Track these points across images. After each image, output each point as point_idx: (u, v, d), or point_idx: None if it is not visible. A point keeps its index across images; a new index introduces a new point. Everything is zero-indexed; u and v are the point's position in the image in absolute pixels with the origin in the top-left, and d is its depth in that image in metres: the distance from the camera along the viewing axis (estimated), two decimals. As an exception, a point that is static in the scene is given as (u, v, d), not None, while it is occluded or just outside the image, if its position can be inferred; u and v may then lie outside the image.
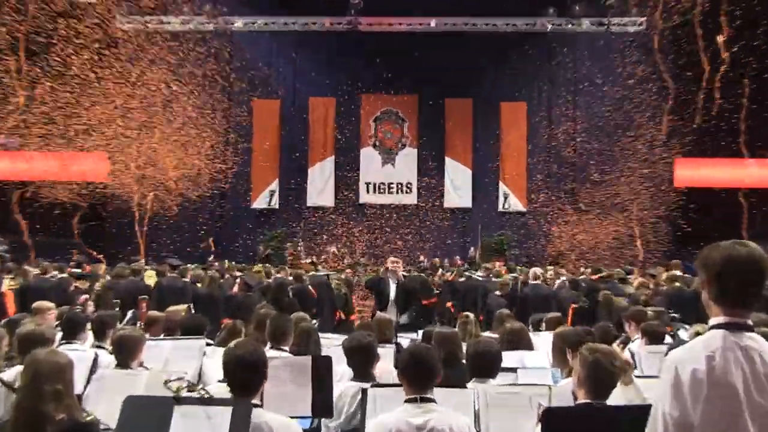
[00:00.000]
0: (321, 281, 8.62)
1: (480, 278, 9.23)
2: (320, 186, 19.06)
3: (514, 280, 8.44)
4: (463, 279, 9.72)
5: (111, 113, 11.65)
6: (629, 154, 15.27)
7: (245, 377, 2.15)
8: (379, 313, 4.82)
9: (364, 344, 2.98)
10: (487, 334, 3.75)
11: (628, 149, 15.38)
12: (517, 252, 17.16)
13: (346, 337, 3.36)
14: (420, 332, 4.29)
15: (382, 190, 19.06)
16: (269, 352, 2.74)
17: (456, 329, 4.00)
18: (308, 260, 13.49)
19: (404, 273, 7.39)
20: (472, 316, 4.53)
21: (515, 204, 18.67)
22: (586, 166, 17.24)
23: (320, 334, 4.06)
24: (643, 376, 2.99)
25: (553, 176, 18.56)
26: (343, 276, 9.73)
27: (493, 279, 8.88)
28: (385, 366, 3.21)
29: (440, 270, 12.57)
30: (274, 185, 18.78)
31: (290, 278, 8.09)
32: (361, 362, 2.96)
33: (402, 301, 5.75)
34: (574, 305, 6.76)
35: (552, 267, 11.03)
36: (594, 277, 7.83)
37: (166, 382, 2.08)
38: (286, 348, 3.50)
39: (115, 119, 11.72)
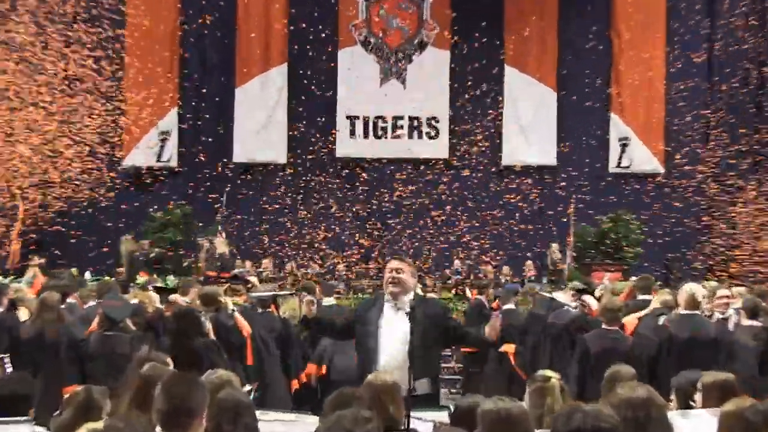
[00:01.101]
0: (261, 310, 8.95)
1: (572, 307, 9.54)
2: (260, 124, 19.20)
3: (640, 307, 8.42)
4: (522, 307, 10.30)
5: None
6: None
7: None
8: (379, 375, 4.79)
9: None
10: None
11: None
12: (645, 253, 17.54)
13: (312, 418, 3.46)
14: (452, 408, 4.46)
15: (380, 133, 19.36)
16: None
17: (524, 403, 4.10)
18: (234, 270, 13.97)
19: (427, 291, 7.12)
20: (556, 378, 4.69)
21: (643, 159, 18.93)
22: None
23: (259, 413, 4.19)
24: None
25: (724, 107, 18.63)
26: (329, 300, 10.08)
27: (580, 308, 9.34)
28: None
29: (489, 290, 12.60)
30: (169, 122, 19.08)
31: (199, 303, 8.36)
32: None
33: (419, 350, 5.62)
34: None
35: (718, 284, 11.36)
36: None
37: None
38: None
39: None
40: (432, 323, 5.88)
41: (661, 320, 7.98)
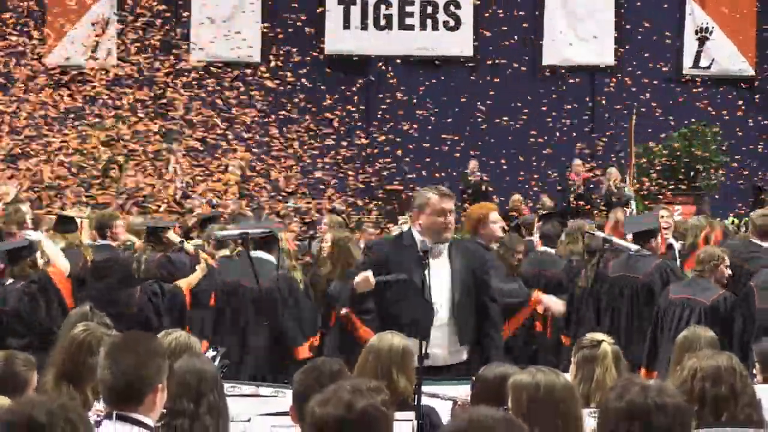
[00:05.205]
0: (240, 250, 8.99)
1: (632, 250, 9.22)
2: (224, 11, 18.57)
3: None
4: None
5: None
6: None
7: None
8: (384, 337, 4.73)
9: (371, 414, 3.08)
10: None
11: None
12: (728, 179, 17.77)
13: (285, 388, 4.49)
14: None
15: (383, 23, 19.00)
16: (107, 428, 3.23)
17: (568, 375, 4.39)
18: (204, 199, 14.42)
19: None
20: (608, 343, 4.83)
21: (728, 58, 18.57)
22: None
23: (228, 385, 4.57)
24: None
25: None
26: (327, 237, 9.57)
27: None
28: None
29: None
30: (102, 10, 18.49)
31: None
32: None
33: (462, 307, 5.82)
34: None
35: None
36: None
37: None
38: (147, 417, 3.66)
39: None
40: (471, 271, 6.04)
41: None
